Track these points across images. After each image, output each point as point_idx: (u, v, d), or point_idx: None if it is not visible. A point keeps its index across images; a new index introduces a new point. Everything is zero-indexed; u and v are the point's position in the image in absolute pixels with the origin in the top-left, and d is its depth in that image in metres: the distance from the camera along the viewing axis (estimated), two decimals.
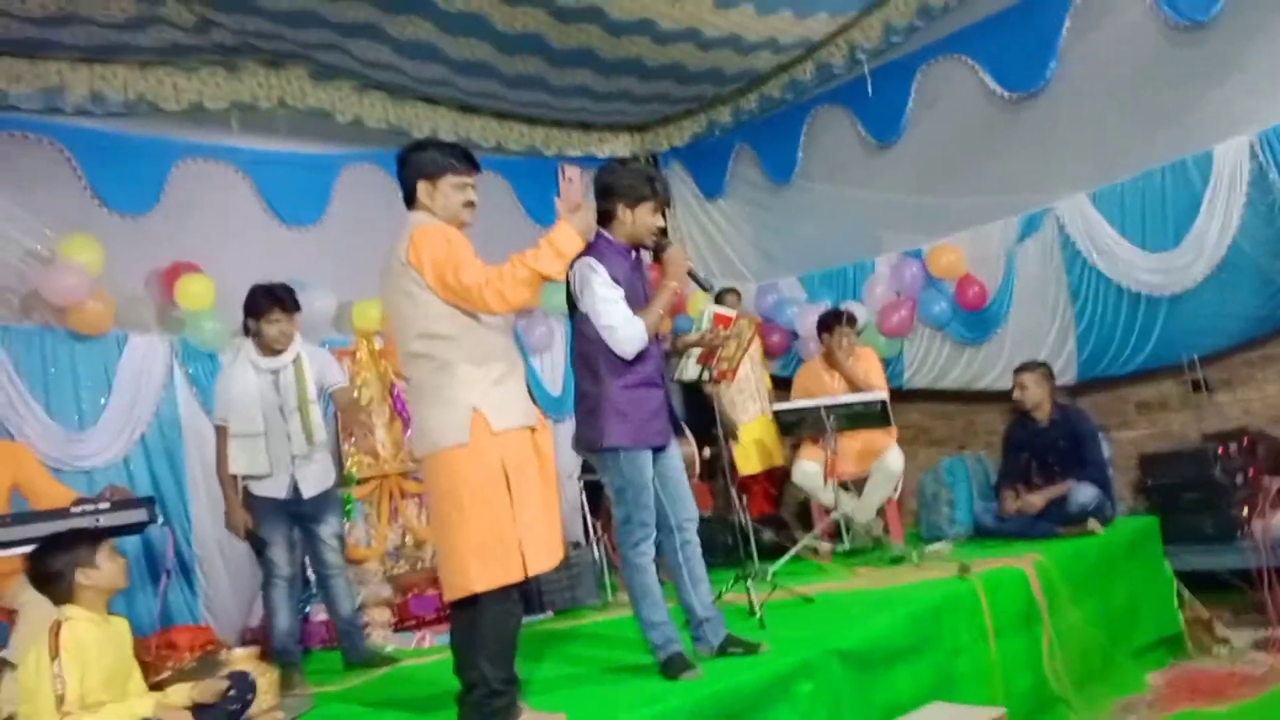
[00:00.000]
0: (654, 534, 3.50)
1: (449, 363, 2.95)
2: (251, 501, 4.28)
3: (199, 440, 5.26)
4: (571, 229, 3.01)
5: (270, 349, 4.35)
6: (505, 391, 3.01)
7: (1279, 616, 4.67)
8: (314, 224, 5.96)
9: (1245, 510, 4.99)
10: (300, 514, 4.34)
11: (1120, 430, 5.98)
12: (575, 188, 3.12)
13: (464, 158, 3.15)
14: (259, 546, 4.30)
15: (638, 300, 3.50)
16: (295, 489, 4.29)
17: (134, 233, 5.31)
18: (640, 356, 3.45)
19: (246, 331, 4.42)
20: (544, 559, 2.99)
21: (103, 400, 4.98)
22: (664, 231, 3.64)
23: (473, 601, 2.91)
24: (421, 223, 3.03)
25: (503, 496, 2.91)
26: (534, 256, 2.91)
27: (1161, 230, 5.42)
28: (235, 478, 4.26)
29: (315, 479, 4.36)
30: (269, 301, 4.31)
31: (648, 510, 3.47)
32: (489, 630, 2.92)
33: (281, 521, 4.31)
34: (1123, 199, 5.55)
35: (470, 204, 3.14)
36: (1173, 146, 5.36)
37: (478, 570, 2.87)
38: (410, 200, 3.13)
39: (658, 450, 3.53)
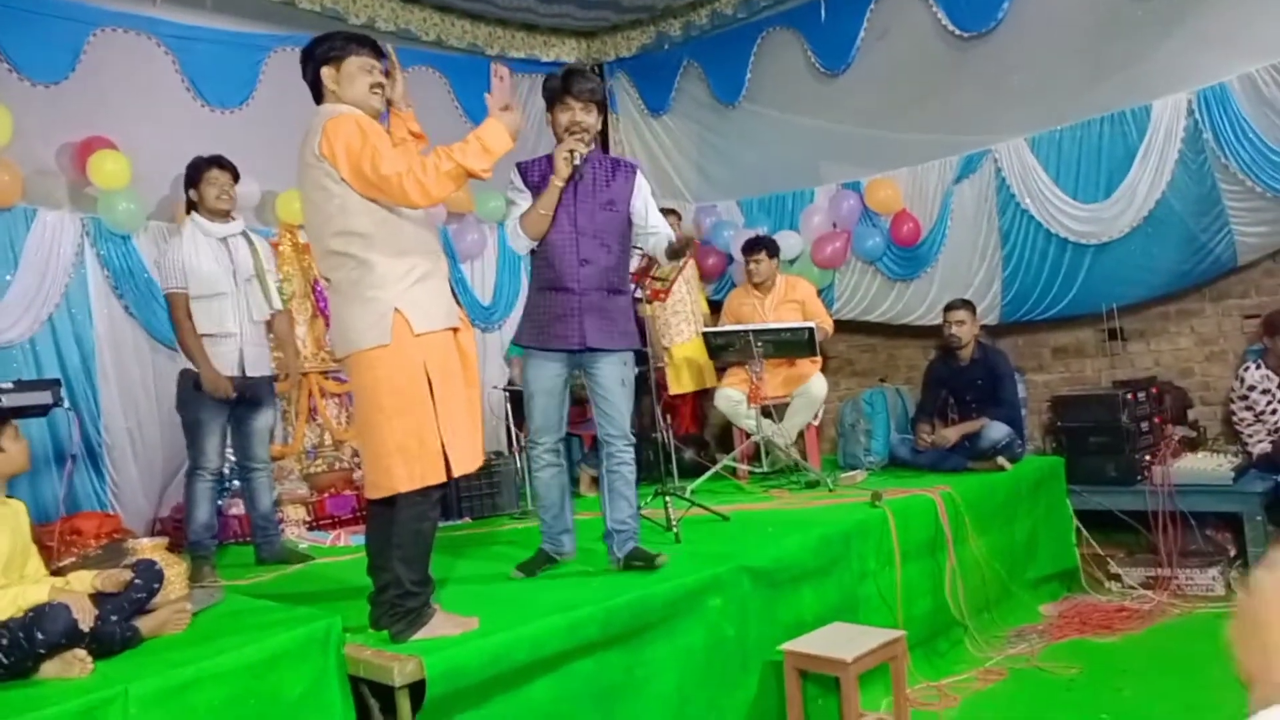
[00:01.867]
0: (548, 440, 3.69)
1: (367, 261, 2.86)
2: (197, 386, 4.18)
3: (110, 325, 5.08)
4: (501, 127, 2.93)
5: (215, 211, 4.29)
6: (426, 291, 2.95)
7: (1169, 557, 4.92)
8: (238, 107, 5.70)
9: (1147, 456, 5.19)
10: (240, 400, 4.26)
11: (1035, 373, 6.15)
12: (505, 86, 3.05)
13: (366, 41, 3.04)
14: (193, 433, 4.23)
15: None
16: (242, 366, 4.25)
17: (46, 102, 5.01)
18: (546, 260, 3.57)
19: (190, 207, 4.35)
20: (468, 460, 2.98)
21: (8, 277, 4.75)
22: (583, 130, 3.60)
23: (390, 502, 2.92)
24: (332, 113, 2.90)
25: (425, 398, 2.88)
26: (460, 150, 2.83)
27: (1094, 180, 5.50)
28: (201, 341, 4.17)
29: (259, 360, 4.34)
30: (208, 162, 4.30)
31: (541, 414, 3.66)
32: (406, 531, 2.91)
33: (221, 411, 4.25)
34: (1060, 146, 5.61)
35: (378, 86, 3.02)
36: (1114, 98, 5.41)
37: (401, 470, 2.86)
38: (318, 94, 3.03)
39: (583, 361, 3.56)
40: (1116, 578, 5.10)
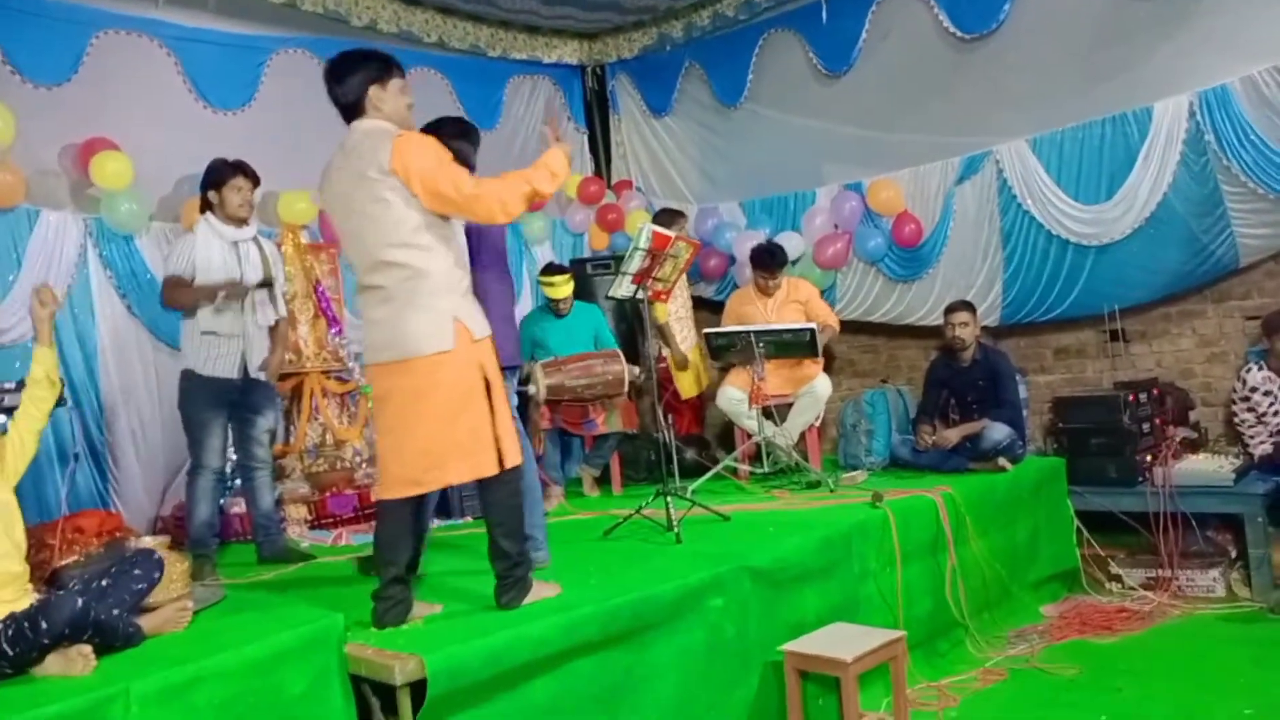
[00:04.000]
0: None
1: (425, 271, 3.03)
2: (197, 385, 4.21)
3: (112, 325, 5.10)
4: (562, 155, 3.20)
5: (234, 217, 4.31)
6: (472, 303, 3.16)
7: (1169, 558, 4.92)
8: (241, 109, 5.71)
9: (1148, 457, 5.19)
10: (241, 401, 4.29)
11: (1037, 374, 6.15)
12: (556, 121, 3.65)
13: (400, 68, 3.24)
14: (193, 433, 4.25)
15: None
16: (244, 367, 4.28)
17: (49, 104, 5.02)
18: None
19: (205, 207, 4.36)
20: (515, 454, 3.16)
21: (10, 277, 4.77)
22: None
23: (407, 501, 3.12)
24: (392, 130, 3.07)
25: (484, 398, 3.08)
26: (533, 174, 3.10)
27: (1096, 181, 5.50)
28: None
29: (261, 362, 4.38)
30: (232, 168, 4.30)
31: None
32: (504, 509, 3.16)
33: (222, 410, 4.27)
34: (1061, 147, 5.61)
35: (411, 106, 3.21)
36: (1115, 99, 5.41)
37: (457, 465, 3.08)
38: (353, 108, 3.13)
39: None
40: (1117, 579, 5.10)
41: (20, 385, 3.71)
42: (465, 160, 3.35)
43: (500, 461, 3.10)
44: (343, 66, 3.14)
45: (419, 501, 3.23)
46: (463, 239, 3.27)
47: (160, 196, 5.30)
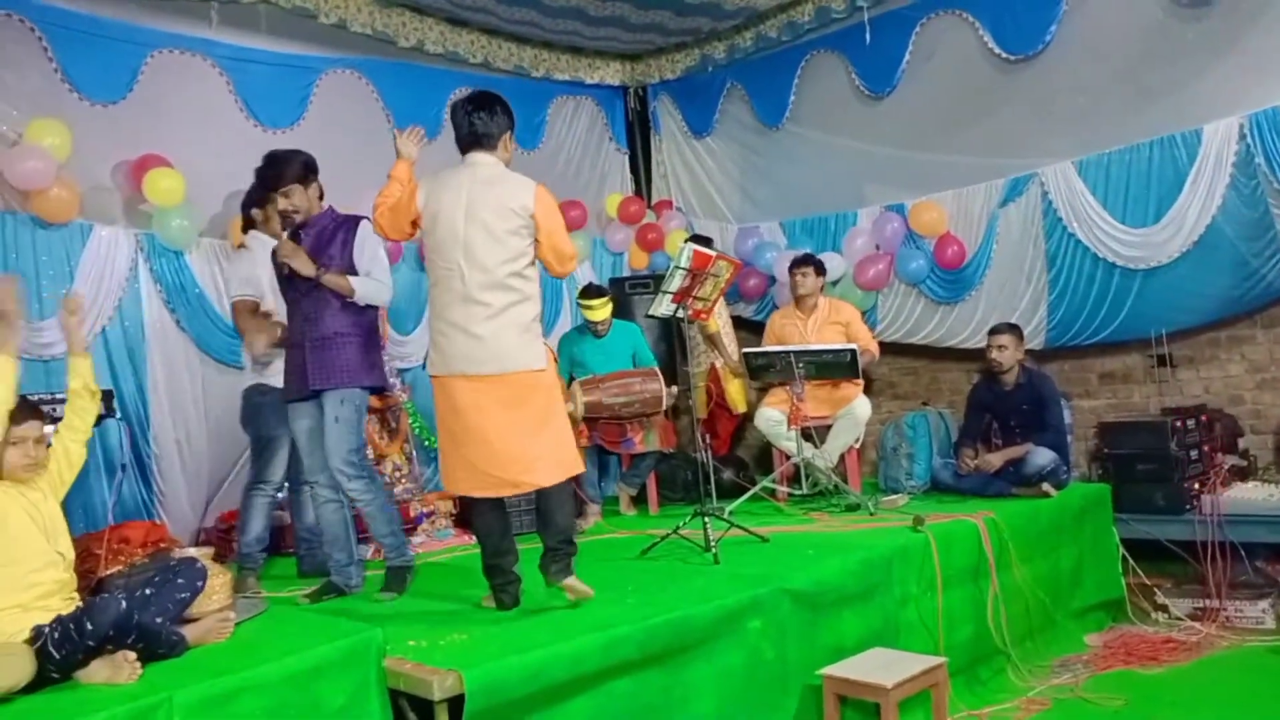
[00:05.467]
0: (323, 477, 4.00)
1: (529, 299, 3.51)
2: (267, 399, 4.26)
3: (162, 339, 5.18)
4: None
5: (277, 235, 4.30)
6: None
7: (1218, 588, 4.81)
8: (290, 127, 5.79)
9: (1196, 485, 5.09)
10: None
11: (1082, 399, 6.06)
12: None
13: None
14: (261, 448, 4.32)
15: None
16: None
17: (104, 121, 5.13)
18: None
19: (249, 225, 4.47)
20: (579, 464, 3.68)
21: (64, 290, 4.86)
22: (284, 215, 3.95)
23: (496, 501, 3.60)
24: (530, 181, 3.53)
25: (564, 409, 3.69)
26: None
27: (1143, 204, 5.42)
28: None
29: None
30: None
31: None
32: (565, 501, 3.60)
33: (285, 425, 4.22)
34: (1108, 169, 5.54)
35: None
36: (1163, 121, 5.34)
37: (552, 467, 3.49)
38: (481, 141, 3.53)
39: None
40: (1163, 608, 5.00)
41: None
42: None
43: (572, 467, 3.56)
44: (496, 105, 3.56)
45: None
46: None
47: (211, 214, 5.39)
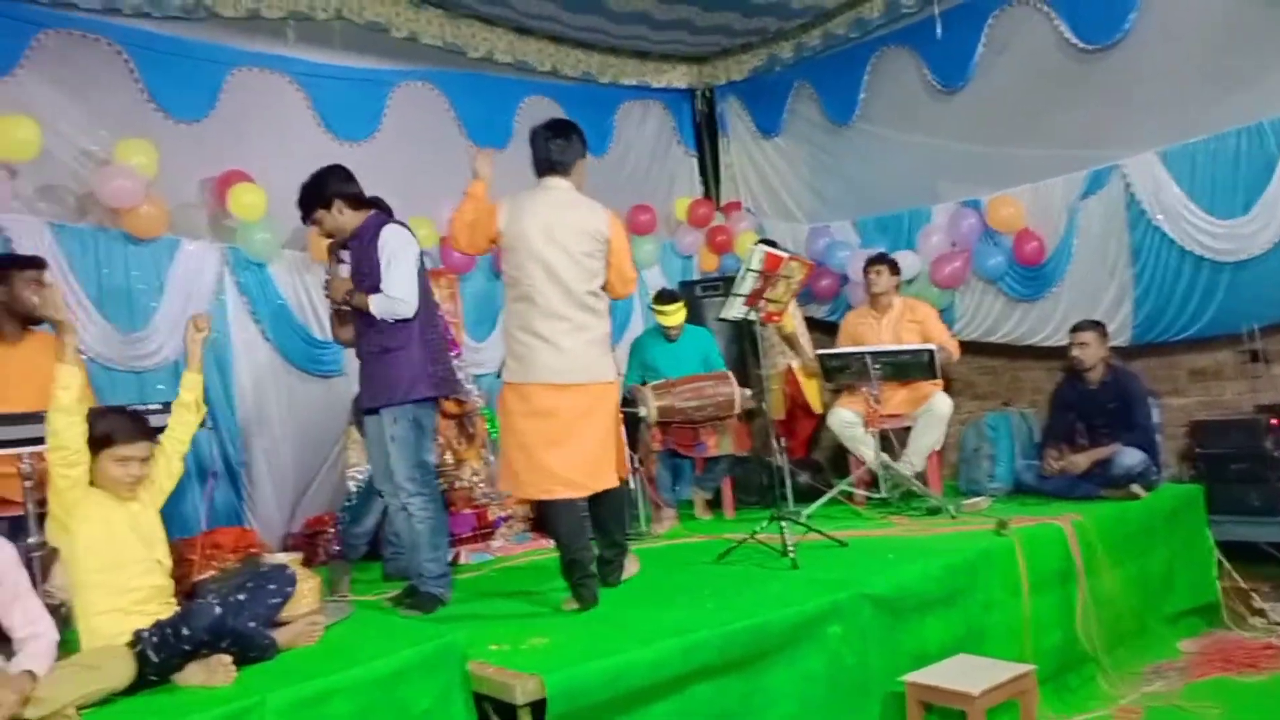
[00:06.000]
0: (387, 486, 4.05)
1: (604, 315, 3.82)
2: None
3: (247, 349, 5.34)
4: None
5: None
6: None
7: None
8: (365, 140, 5.93)
9: None
10: None
11: (1171, 397, 5.87)
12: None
13: None
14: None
15: None
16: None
17: (188, 139, 5.32)
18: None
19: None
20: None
21: (154, 304, 5.04)
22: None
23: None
24: (599, 205, 3.81)
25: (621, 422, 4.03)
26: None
27: (1231, 194, 5.25)
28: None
29: None
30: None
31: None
32: (623, 503, 4.01)
33: None
34: (1194, 160, 5.37)
35: None
36: (1250, 109, 5.16)
37: (618, 469, 3.87)
38: (556, 166, 3.77)
39: None
40: (1261, 613, 4.80)
41: (166, 407, 3.91)
42: (364, 199, 3.96)
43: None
44: (572, 133, 3.83)
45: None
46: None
47: (292, 227, 5.52)
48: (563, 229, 3.67)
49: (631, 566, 4.01)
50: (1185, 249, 5.42)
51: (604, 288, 3.80)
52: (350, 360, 4.79)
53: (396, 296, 3.74)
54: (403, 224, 3.92)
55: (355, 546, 4.44)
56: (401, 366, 3.78)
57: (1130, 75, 5.58)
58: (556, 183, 3.77)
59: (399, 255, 3.78)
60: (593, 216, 3.74)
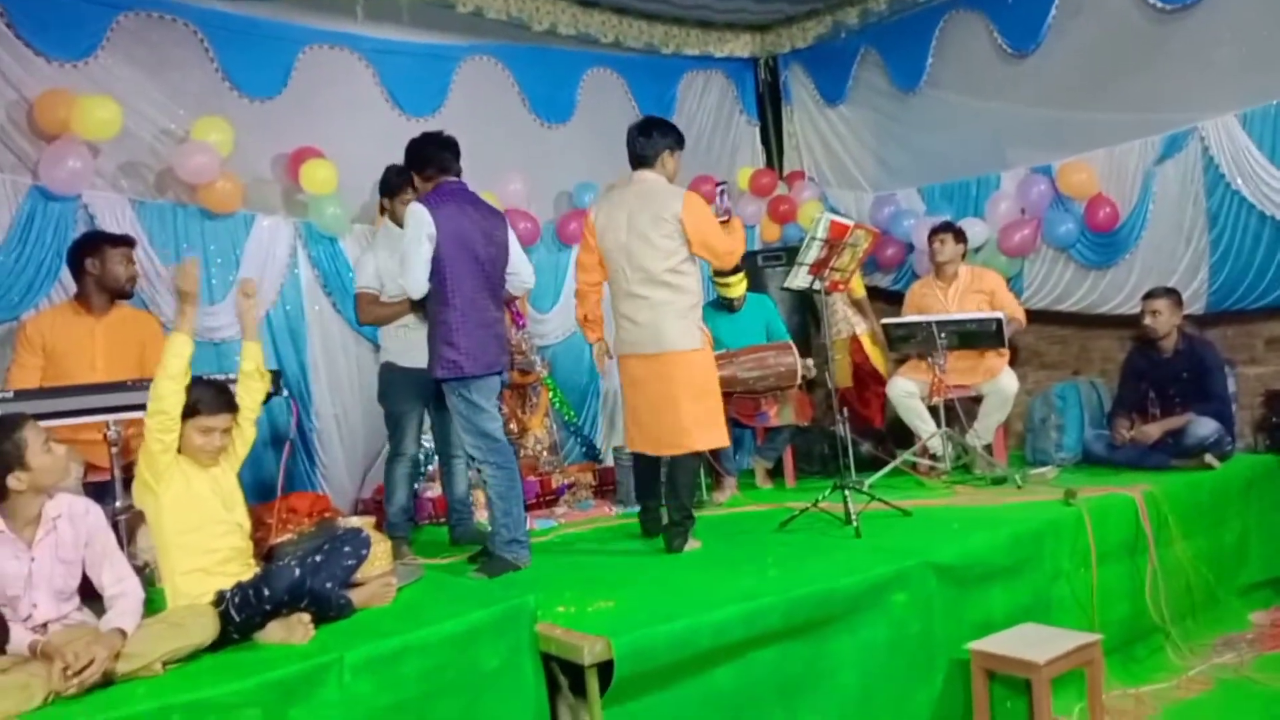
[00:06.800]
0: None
1: (685, 290, 4.09)
2: (397, 376, 4.45)
3: (320, 320, 5.48)
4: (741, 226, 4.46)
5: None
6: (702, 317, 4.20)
7: None
8: (432, 115, 5.98)
9: None
10: (438, 391, 4.41)
11: (1247, 366, 5.71)
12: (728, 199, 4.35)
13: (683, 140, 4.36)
14: (394, 422, 4.49)
15: None
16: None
17: (262, 116, 5.43)
18: None
19: (382, 211, 4.62)
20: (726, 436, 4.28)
21: (231, 277, 5.19)
22: None
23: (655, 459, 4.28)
24: (678, 189, 4.16)
25: (717, 386, 4.19)
26: (737, 239, 4.24)
27: None
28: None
29: None
30: (402, 179, 4.45)
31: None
32: (687, 475, 4.16)
33: (419, 400, 4.46)
34: (1275, 122, 5.18)
35: (677, 171, 4.28)
36: None
37: (697, 435, 4.08)
38: (645, 160, 4.18)
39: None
40: None
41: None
42: (446, 167, 4.01)
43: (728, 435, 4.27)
44: (654, 129, 4.21)
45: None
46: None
47: (361, 201, 5.64)
48: (642, 216, 4.06)
49: (693, 543, 4.12)
50: (1265, 213, 5.25)
51: (688, 261, 4.11)
52: None
53: (410, 275, 3.89)
54: (422, 201, 3.89)
55: (398, 524, 4.45)
56: (440, 343, 3.89)
57: (1208, 36, 5.40)
58: (642, 175, 4.19)
59: (412, 235, 3.86)
60: (670, 201, 4.07)
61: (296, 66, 5.56)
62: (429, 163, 4.02)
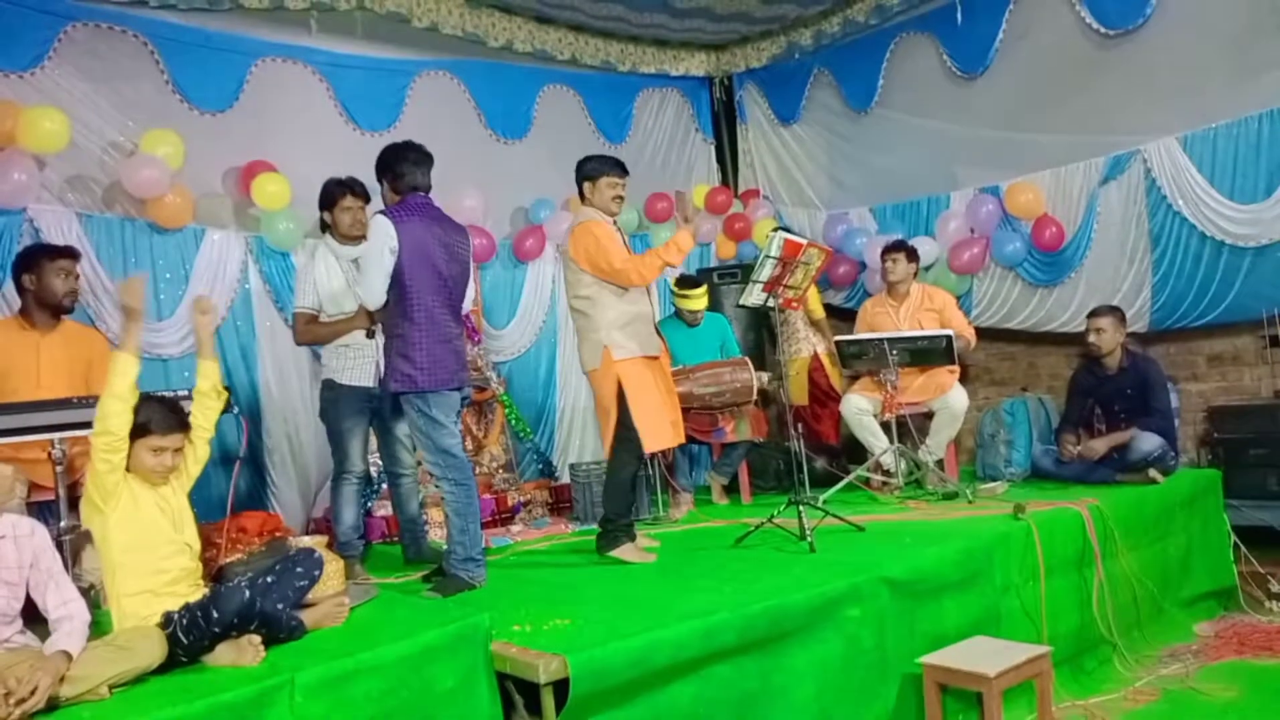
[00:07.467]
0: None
1: (589, 315, 4.23)
2: (335, 394, 4.40)
3: (271, 337, 5.42)
4: (689, 234, 4.25)
5: (347, 236, 4.46)
6: (626, 333, 4.22)
7: None
8: (387, 129, 5.96)
9: None
10: (379, 409, 4.41)
11: (1189, 382, 5.87)
12: (686, 203, 4.43)
13: (617, 166, 4.37)
14: (337, 440, 4.43)
15: None
16: (379, 377, 4.36)
17: (213, 129, 5.38)
18: None
19: (324, 227, 4.54)
20: (656, 442, 4.25)
21: (180, 293, 5.11)
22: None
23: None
24: (580, 219, 4.29)
25: (616, 401, 4.20)
26: (664, 252, 4.20)
27: (1252, 179, 5.24)
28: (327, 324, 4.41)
29: None
30: (340, 189, 4.45)
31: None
32: (609, 480, 4.32)
33: (363, 417, 4.42)
34: (1215, 145, 5.36)
35: (619, 198, 4.36)
36: (1272, 93, 5.15)
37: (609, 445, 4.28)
38: (580, 193, 4.39)
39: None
40: (1277, 597, 4.81)
41: (190, 394, 3.98)
42: (415, 184, 3.98)
43: (642, 447, 4.20)
44: (580, 164, 4.37)
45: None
46: (624, 292, 4.27)
47: (314, 216, 5.55)
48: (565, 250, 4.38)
49: (646, 556, 4.19)
50: (1205, 234, 5.41)
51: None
52: None
53: (367, 285, 3.89)
54: (386, 213, 3.86)
55: (349, 543, 4.41)
56: (396, 356, 3.86)
57: (1151, 60, 5.56)
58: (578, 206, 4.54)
59: (373, 248, 3.84)
60: (569, 235, 4.34)
61: (249, 79, 5.52)
62: (403, 175, 3.99)
